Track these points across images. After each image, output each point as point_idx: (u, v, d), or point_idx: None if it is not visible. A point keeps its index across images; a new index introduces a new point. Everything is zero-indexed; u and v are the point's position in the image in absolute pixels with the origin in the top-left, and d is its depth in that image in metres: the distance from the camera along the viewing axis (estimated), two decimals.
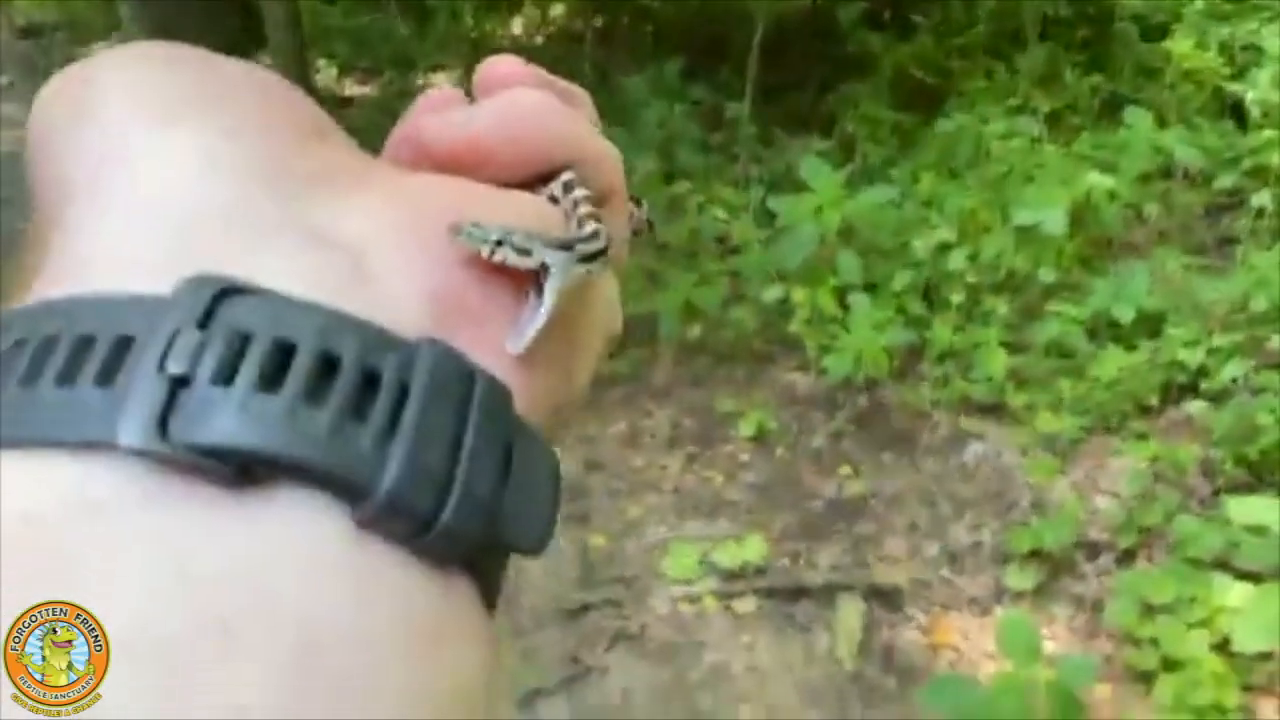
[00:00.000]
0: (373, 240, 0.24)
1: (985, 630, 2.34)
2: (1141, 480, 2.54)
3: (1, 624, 0.18)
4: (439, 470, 0.21)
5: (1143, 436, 2.71)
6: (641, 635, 2.45)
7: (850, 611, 2.44)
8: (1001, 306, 2.98)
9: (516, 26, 6.59)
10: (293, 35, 5.21)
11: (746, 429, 3.07)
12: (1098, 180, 3.07)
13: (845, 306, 2.97)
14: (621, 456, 3.12)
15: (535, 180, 0.30)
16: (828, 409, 3.09)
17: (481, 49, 5.89)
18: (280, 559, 0.20)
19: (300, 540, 0.20)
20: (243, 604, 0.19)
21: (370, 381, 0.22)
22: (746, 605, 2.48)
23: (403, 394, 0.22)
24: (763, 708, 2.24)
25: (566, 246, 0.27)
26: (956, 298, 2.96)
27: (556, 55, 6.07)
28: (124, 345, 0.21)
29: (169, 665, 0.18)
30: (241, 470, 0.20)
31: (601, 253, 0.28)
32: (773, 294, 2.99)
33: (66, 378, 0.21)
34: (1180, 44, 3.50)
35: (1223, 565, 2.27)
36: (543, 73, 0.33)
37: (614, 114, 4.32)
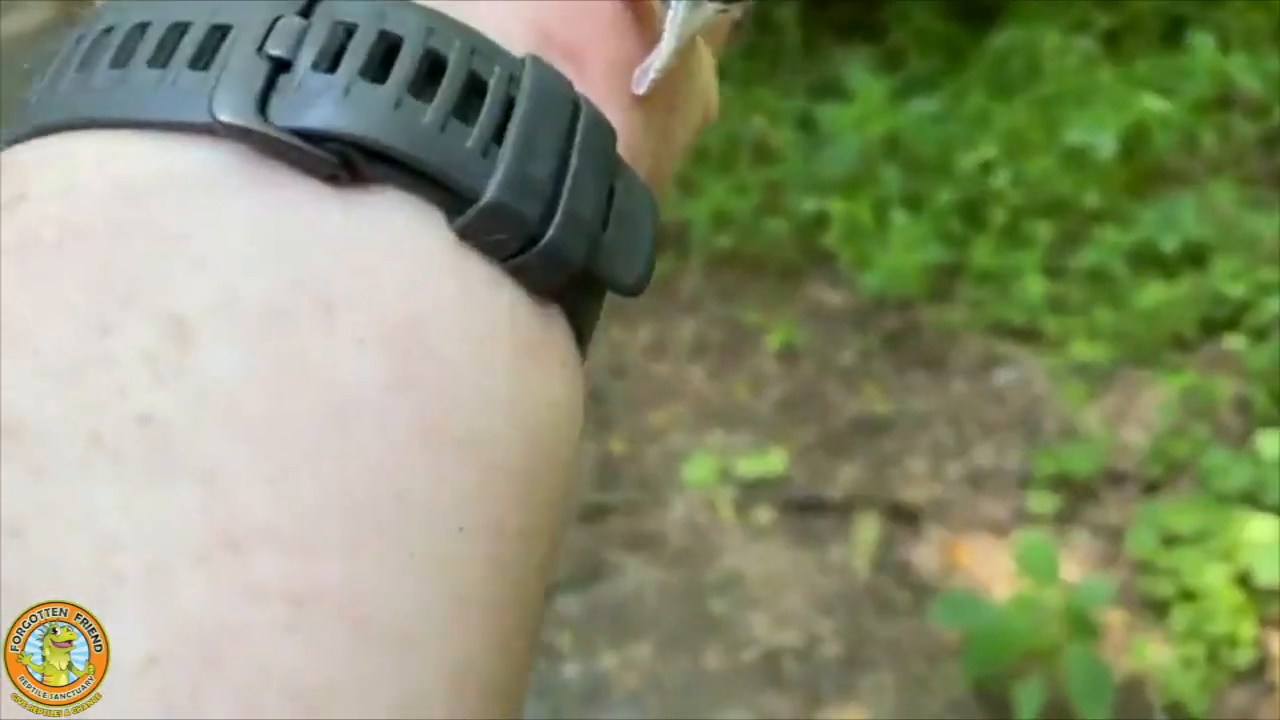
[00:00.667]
0: None
1: (1003, 552, 2.34)
2: (1173, 412, 2.51)
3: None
4: (544, 185, 0.20)
5: (1178, 369, 2.67)
6: (658, 539, 2.47)
7: (868, 526, 2.44)
8: (1043, 230, 2.91)
9: None
10: None
11: (774, 342, 3.04)
12: (1153, 104, 2.97)
13: (884, 221, 2.91)
14: (645, 364, 3.11)
15: None
16: (858, 326, 3.06)
17: None
18: (381, 251, 0.19)
19: (401, 236, 0.19)
20: (346, 284, 0.18)
21: (475, 89, 0.20)
22: (764, 516, 2.50)
23: (508, 106, 0.21)
24: (774, 614, 2.27)
25: None
26: (999, 218, 2.89)
27: None
28: (220, 31, 0.20)
29: (269, 332, 0.18)
30: (342, 161, 0.19)
31: None
32: (810, 205, 2.93)
33: (158, 60, 0.20)
34: None
35: (1251, 501, 2.25)
36: None
37: None
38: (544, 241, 0.20)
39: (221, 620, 0.16)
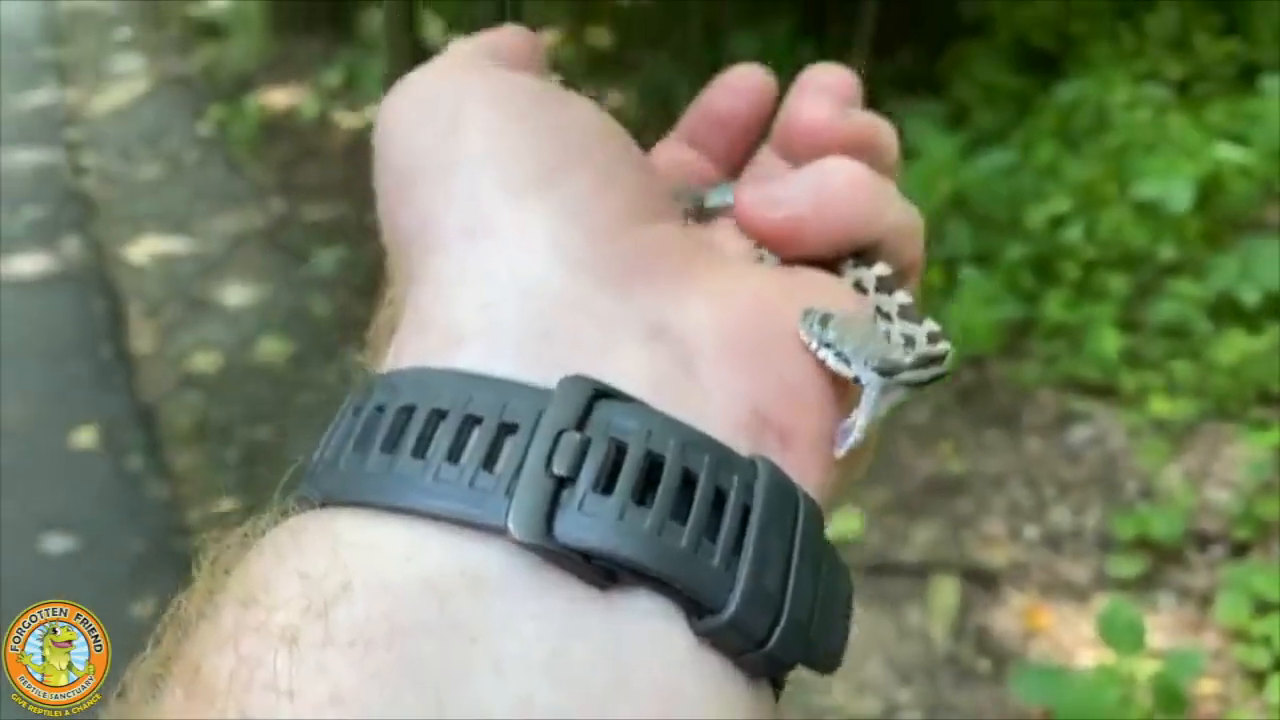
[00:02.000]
0: (702, 341, 0.27)
1: (1084, 617, 2.29)
2: (1261, 470, 2.44)
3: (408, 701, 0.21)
4: (774, 594, 0.24)
5: (1264, 425, 2.59)
6: None
7: (945, 591, 2.40)
8: (1117, 283, 2.87)
9: None
10: None
11: None
12: (1228, 153, 2.91)
13: (954, 280, 2.89)
14: None
15: (837, 255, 0.32)
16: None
17: (585, 4, 5.85)
18: (638, 653, 0.23)
19: (656, 637, 0.23)
20: (612, 684, 0.22)
21: (719, 498, 0.24)
22: None
23: (745, 514, 0.24)
24: (853, 683, 2.23)
25: (888, 371, 0.28)
26: (1071, 273, 2.86)
27: (663, 11, 6.00)
28: (508, 430, 0.24)
29: None
30: (607, 573, 0.23)
31: (941, 374, 0.29)
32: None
33: (454, 454, 0.24)
34: None
35: None
36: (854, 121, 0.34)
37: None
38: (769, 648, 0.24)
39: None
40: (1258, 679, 2.08)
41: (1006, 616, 2.36)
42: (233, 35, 7.66)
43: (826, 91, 0.36)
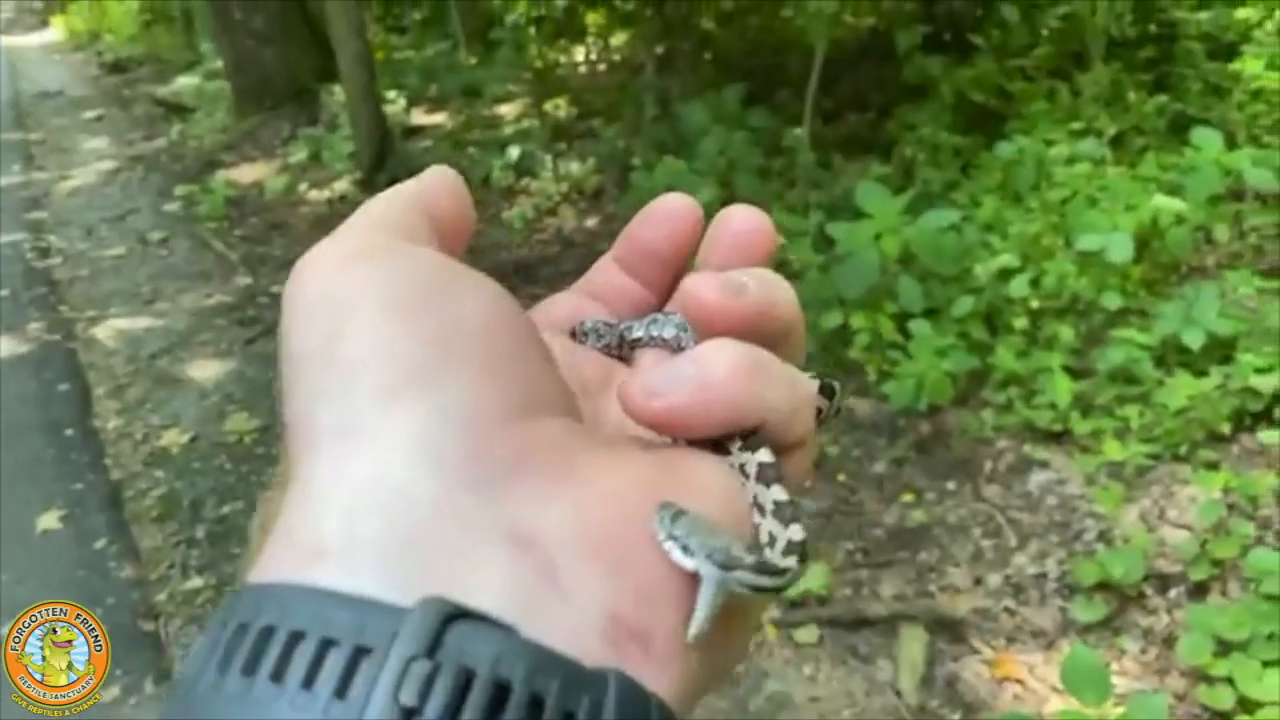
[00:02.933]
0: (564, 546, 0.28)
1: (1051, 663, 2.30)
2: (1214, 511, 2.48)
3: None
4: None
5: (1214, 466, 2.65)
6: None
7: (913, 642, 2.42)
8: (1065, 332, 2.94)
9: (579, 55, 6.69)
10: (364, 69, 5.37)
11: None
12: (1165, 203, 3.02)
13: (906, 332, 2.96)
14: None
15: (726, 435, 0.33)
16: (889, 435, 3.08)
17: (545, 78, 5.99)
18: None
19: None
20: None
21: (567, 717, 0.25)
22: (808, 635, 2.48)
23: None
24: None
25: (727, 566, 0.29)
26: (1019, 323, 2.93)
27: (617, 83, 6.14)
28: (361, 654, 0.25)
29: None
30: None
31: (777, 588, 0.30)
32: (832, 320, 2.98)
33: (309, 680, 0.25)
34: (1250, 63, 3.43)
35: None
36: (744, 301, 0.35)
37: (674, 142, 4.36)
38: None
39: None
40: (1224, 719, 2.10)
41: (974, 666, 2.37)
42: (199, 114, 7.75)
43: (734, 242, 0.37)
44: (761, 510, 0.32)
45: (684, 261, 0.40)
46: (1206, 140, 3.19)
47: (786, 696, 2.34)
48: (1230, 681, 2.10)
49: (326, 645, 0.25)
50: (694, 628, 0.28)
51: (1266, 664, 2.09)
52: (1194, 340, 2.82)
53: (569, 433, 0.31)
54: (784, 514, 0.31)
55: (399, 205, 0.35)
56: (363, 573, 0.26)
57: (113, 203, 6.48)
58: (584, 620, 0.27)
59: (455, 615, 0.25)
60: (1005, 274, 2.93)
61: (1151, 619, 2.39)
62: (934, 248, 2.90)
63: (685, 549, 0.28)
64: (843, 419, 3.20)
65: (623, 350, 0.40)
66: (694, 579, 0.29)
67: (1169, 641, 2.28)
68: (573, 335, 0.40)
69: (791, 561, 0.30)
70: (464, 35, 6.43)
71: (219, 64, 7.65)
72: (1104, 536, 2.60)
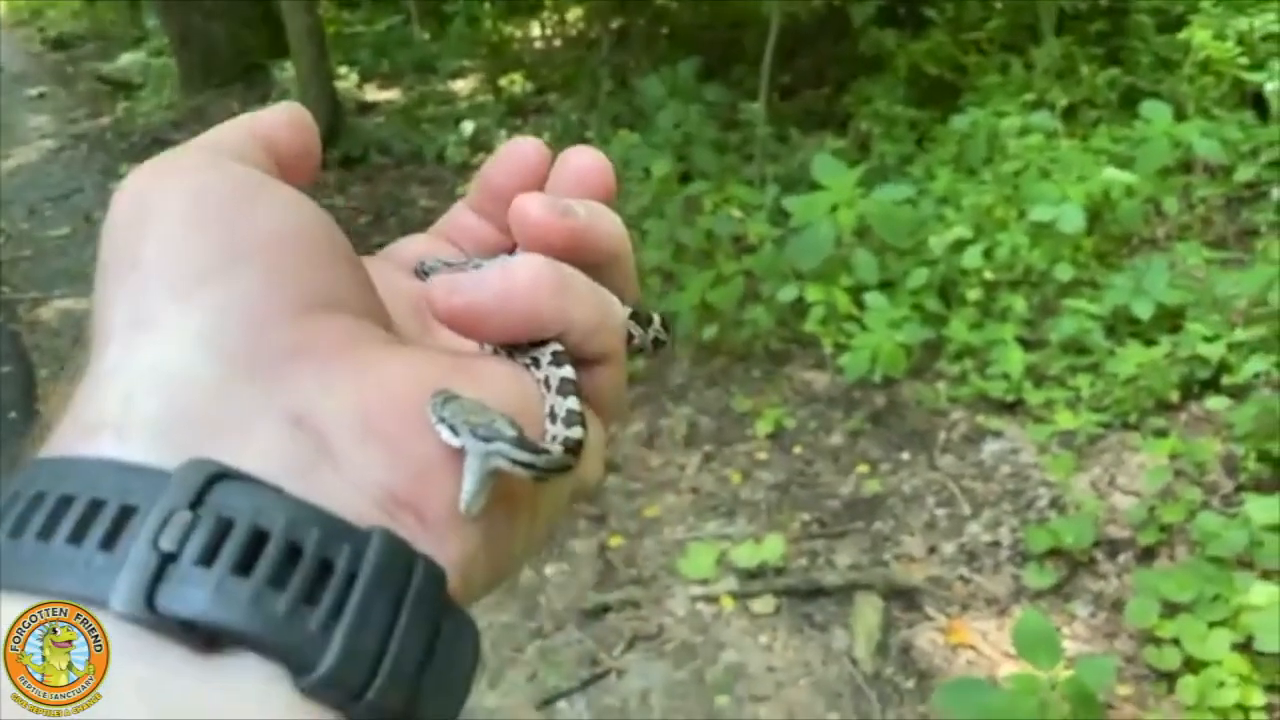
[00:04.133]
0: (340, 427, 0.29)
1: (1004, 629, 2.33)
2: (1162, 477, 2.52)
3: None
4: (372, 652, 0.26)
5: (1163, 433, 2.69)
6: (659, 635, 2.46)
7: (868, 611, 2.43)
8: (1018, 303, 2.96)
9: (534, 30, 6.62)
10: (314, 44, 5.27)
11: (763, 428, 3.07)
12: (1115, 175, 3.05)
13: (861, 305, 2.96)
14: (639, 456, 3.13)
15: (530, 343, 0.35)
16: (845, 407, 3.09)
17: (500, 53, 5.91)
18: (239, 709, 0.25)
19: (254, 700, 0.25)
20: None
21: (326, 567, 0.26)
22: (764, 605, 2.49)
23: (351, 580, 0.26)
24: (781, 708, 2.24)
25: (488, 438, 0.30)
26: (973, 295, 2.94)
27: (573, 58, 6.09)
28: (128, 513, 0.26)
29: None
30: (211, 637, 0.25)
31: (537, 465, 0.31)
32: (788, 293, 2.98)
33: (76, 537, 0.25)
34: (1198, 34, 3.47)
35: (1246, 564, 2.25)
36: (568, 223, 0.36)
37: (630, 116, 4.33)
38: (366, 699, 0.26)
39: None
40: (1169, 680, 2.13)
41: (929, 633, 2.39)
42: (145, 91, 7.57)
43: (576, 178, 0.38)
44: (554, 418, 0.33)
45: None
46: (1156, 113, 3.23)
47: (743, 666, 2.35)
48: (1176, 643, 2.14)
49: (96, 506, 0.26)
50: (464, 498, 0.29)
51: (1212, 624, 2.12)
52: (1144, 310, 2.86)
53: (361, 329, 0.32)
54: (571, 420, 0.33)
55: (234, 131, 0.35)
56: (137, 444, 0.27)
57: (56, 182, 6.32)
58: (358, 492, 0.28)
59: (220, 475, 0.26)
60: (959, 246, 2.95)
61: (1101, 584, 2.43)
62: (889, 220, 2.90)
63: (452, 429, 0.30)
64: (799, 391, 3.20)
65: None
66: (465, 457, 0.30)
67: (1118, 605, 2.32)
68: (416, 273, 0.41)
69: (557, 447, 0.32)
70: (417, 10, 6.33)
71: (165, 40, 7.47)
72: (1056, 504, 2.64)
